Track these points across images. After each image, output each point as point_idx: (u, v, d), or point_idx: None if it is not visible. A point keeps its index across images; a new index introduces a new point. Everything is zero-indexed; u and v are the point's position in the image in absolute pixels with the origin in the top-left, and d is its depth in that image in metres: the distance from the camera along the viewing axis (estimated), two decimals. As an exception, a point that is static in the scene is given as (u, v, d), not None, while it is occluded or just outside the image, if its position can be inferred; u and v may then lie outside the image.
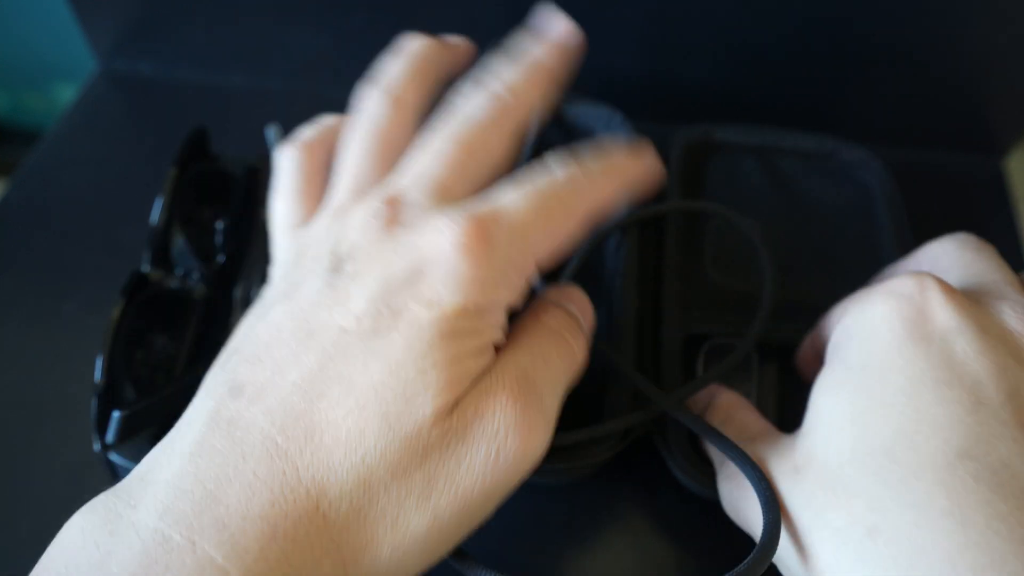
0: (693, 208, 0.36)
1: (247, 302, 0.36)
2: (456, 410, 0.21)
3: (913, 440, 0.20)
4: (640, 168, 0.26)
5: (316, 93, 0.49)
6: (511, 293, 0.23)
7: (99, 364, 0.31)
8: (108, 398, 0.31)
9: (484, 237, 0.22)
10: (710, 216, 0.38)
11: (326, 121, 0.29)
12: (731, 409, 0.29)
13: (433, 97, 0.27)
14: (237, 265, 0.37)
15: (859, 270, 0.36)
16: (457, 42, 0.30)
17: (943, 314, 0.22)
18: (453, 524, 0.21)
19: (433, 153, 0.25)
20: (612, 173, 0.25)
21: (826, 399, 0.24)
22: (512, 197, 0.23)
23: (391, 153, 0.26)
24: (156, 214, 0.36)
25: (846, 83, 0.45)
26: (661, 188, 0.38)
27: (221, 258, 0.36)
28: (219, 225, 0.37)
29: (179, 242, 0.36)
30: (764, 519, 0.23)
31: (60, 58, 0.68)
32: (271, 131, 0.42)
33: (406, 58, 0.28)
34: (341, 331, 0.21)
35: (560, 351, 0.24)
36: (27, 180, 0.44)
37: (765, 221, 0.38)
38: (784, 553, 0.23)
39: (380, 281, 0.22)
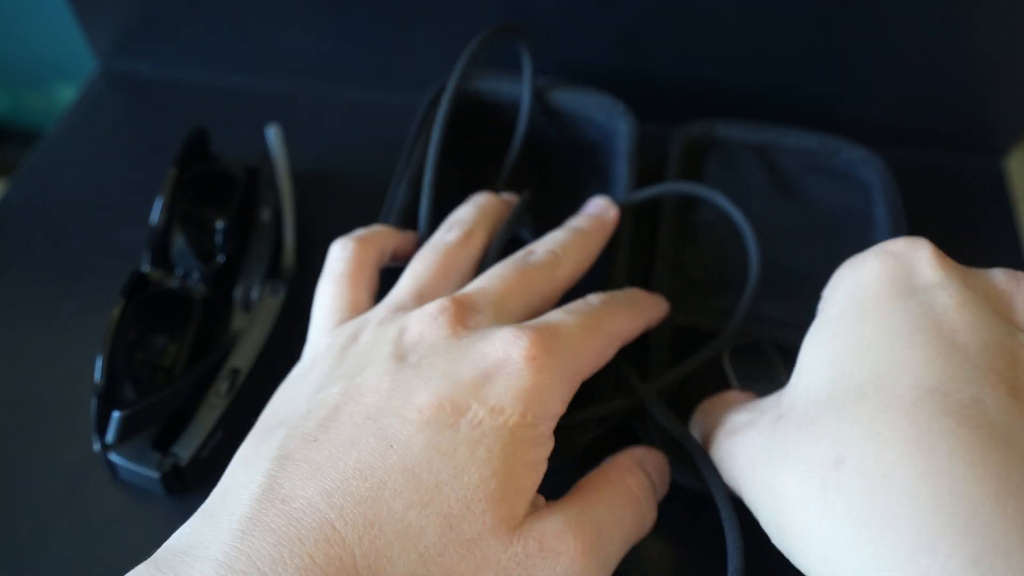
0: (684, 191, 0.37)
1: (247, 302, 0.36)
2: (520, 533, 0.21)
3: (885, 379, 0.21)
4: (657, 308, 0.31)
5: (316, 93, 0.49)
6: (561, 406, 0.24)
7: (99, 364, 0.31)
8: (108, 398, 0.31)
9: (548, 350, 0.23)
10: (703, 209, 0.39)
11: (377, 227, 0.31)
12: (726, 393, 0.30)
13: (491, 239, 0.31)
14: (237, 265, 0.37)
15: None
16: (512, 198, 0.34)
17: (928, 270, 0.23)
18: None
19: (497, 277, 0.27)
20: (638, 307, 0.30)
21: (808, 349, 0.24)
22: (563, 318, 0.26)
23: (454, 274, 0.29)
24: (156, 214, 0.36)
25: (846, 83, 0.45)
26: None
27: (221, 258, 0.36)
28: (219, 225, 0.37)
29: (179, 242, 0.36)
30: (728, 547, 0.25)
31: (60, 58, 0.68)
32: (271, 131, 0.42)
33: (476, 206, 0.32)
34: (403, 420, 0.22)
35: (633, 515, 0.25)
36: (27, 180, 0.44)
37: (765, 218, 0.38)
38: (755, 501, 0.23)
39: (446, 378, 0.23)
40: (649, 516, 0.26)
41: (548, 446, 0.24)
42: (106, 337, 0.32)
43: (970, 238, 0.43)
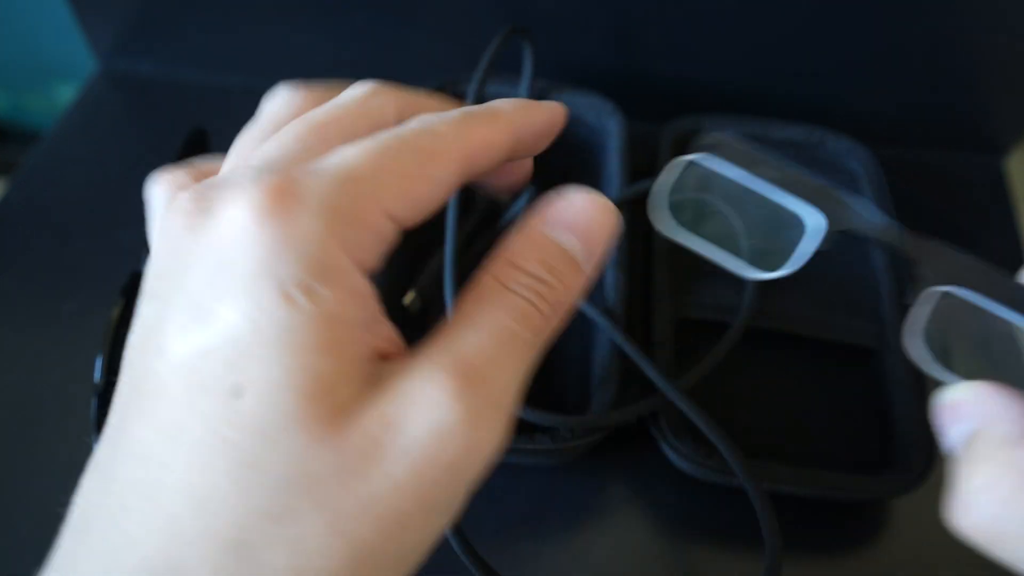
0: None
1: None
2: (356, 418, 0.16)
3: None
4: (535, 112, 0.23)
5: (316, 93, 0.49)
6: (356, 251, 0.18)
7: (99, 364, 0.31)
8: (108, 397, 0.31)
9: (290, 192, 0.17)
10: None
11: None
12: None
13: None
14: (237, 265, 0.37)
15: (846, 254, 0.38)
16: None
17: None
18: (385, 548, 0.16)
19: (276, 137, 0.21)
20: (490, 118, 0.21)
21: None
22: (344, 151, 0.19)
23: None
24: (156, 214, 0.36)
25: (846, 85, 0.45)
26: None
27: (221, 258, 0.36)
28: (219, 225, 0.37)
29: (179, 242, 0.36)
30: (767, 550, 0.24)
31: (61, 59, 0.68)
32: (271, 131, 0.42)
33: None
34: (159, 352, 0.17)
35: (522, 322, 0.18)
36: (27, 180, 0.44)
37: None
38: None
39: (183, 295, 0.17)
40: (552, 313, 0.19)
41: (366, 307, 0.17)
42: (106, 337, 0.32)
43: (970, 237, 0.43)
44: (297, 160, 0.19)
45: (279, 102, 0.24)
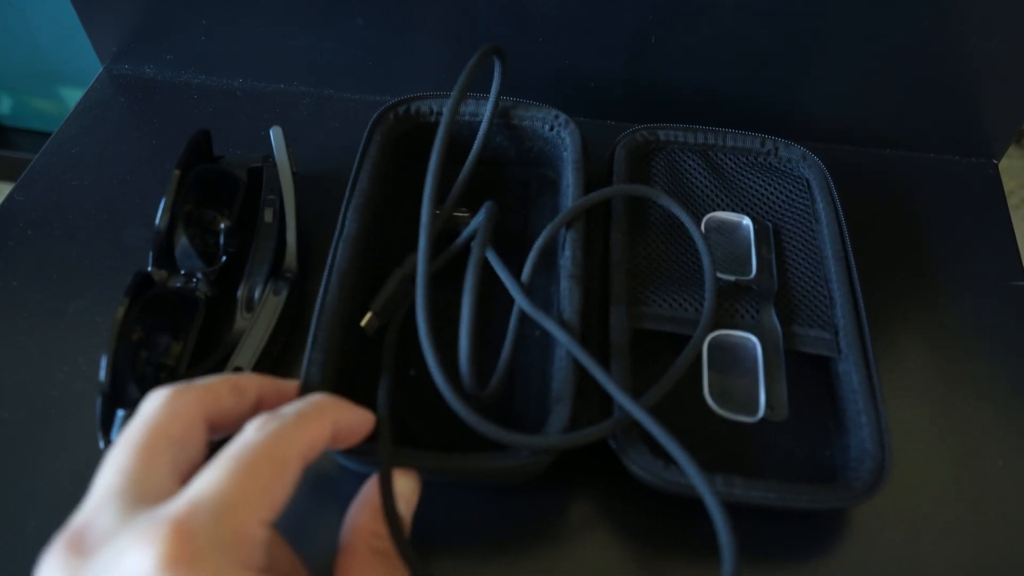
0: (632, 192, 0.37)
1: (249, 302, 0.36)
2: None
3: None
4: (344, 410, 0.27)
5: (318, 95, 0.49)
6: (246, 567, 0.21)
7: (103, 363, 0.31)
8: (112, 397, 0.31)
9: (187, 538, 0.20)
10: (653, 210, 0.39)
11: (224, 378, 0.26)
12: None
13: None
14: (240, 265, 0.37)
15: (801, 256, 0.38)
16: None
17: None
18: None
19: (109, 466, 0.23)
20: (314, 415, 0.25)
21: None
22: (209, 477, 0.22)
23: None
24: (160, 215, 0.36)
25: (846, 92, 0.45)
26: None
27: (224, 258, 0.37)
28: (222, 226, 0.37)
29: (183, 243, 0.36)
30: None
31: (66, 62, 0.68)
32: (273, 133, 0.42)
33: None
34: None
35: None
36: (33, 181, 0.45)
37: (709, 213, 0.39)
38: None
39: None
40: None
41: None
42: (111, 337, 0.32)
43: (967, 237, 0.43)
44: (145, 481, 0.22)
45: (150, 415, 0.24)
